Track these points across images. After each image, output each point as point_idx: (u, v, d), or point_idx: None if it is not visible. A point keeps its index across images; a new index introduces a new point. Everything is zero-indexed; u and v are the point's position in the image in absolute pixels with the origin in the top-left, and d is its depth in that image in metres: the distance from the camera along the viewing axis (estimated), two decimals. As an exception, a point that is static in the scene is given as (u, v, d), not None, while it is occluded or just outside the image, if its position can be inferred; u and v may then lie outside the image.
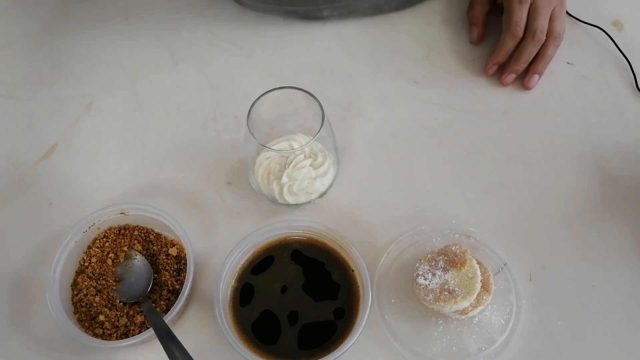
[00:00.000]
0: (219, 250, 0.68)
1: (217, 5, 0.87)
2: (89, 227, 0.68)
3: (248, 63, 0.83)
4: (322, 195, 0.70)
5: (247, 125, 0.64)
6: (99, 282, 0.66)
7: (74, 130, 0.79)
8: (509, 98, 0.78)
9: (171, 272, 0.67)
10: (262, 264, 0.67)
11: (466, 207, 0.71)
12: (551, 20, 0.76)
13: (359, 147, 0.75)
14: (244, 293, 0.65)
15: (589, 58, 0.80)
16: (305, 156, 0.67)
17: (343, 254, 0.66)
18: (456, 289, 0.60)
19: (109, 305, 0.65)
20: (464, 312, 0.61)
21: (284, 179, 0.67)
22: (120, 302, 0.65)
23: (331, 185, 0.70)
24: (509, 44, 0.77)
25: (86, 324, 0.64)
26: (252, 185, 0.71)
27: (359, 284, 0.64)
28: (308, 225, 0.66)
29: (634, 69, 0.78)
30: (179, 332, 0.61)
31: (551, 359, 0.62)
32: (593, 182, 0.71)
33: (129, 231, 0.69)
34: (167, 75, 0.82)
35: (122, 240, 0.69)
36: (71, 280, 0.67)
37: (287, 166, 0.67)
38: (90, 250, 0.68)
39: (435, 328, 0.63)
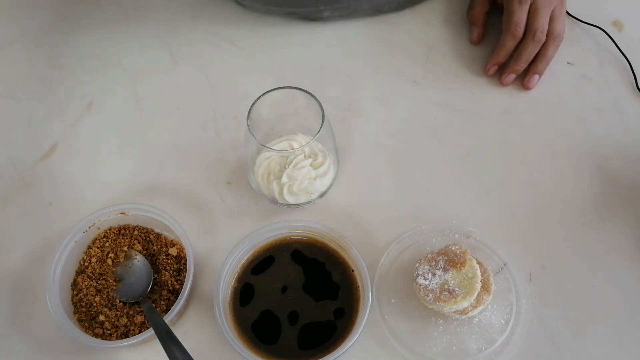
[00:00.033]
0: (219, 250, 0.68)
1: (217, 6, 0.87)
2: (89, 227, 0.68)
3: (248, 63, 0.83)
4: (322, 195, 0.70)
5: (247, 125, 0.64)
6: (99, 282, 0.66)
7: (74, 130, 0.79)
8: (509, 98, 0.78)
9: (171, 272, 0.67)
10: (262, 264, 0.67)
11: (466, 207, 0.71)
12: (551, 20, 0.76)
13: (359, 147, 0.75)
14: (244, 293, 0.65)
15: (589, 58, 0.80)
16: (305, 156, 0.67)
17: (343, 254, 0.66)
18: (456, 289, 0.60)
19: (109, 305, 0.65)
20: (464, 312, 0.61)
21: (284, 179, 0.67)
22: (120, 302, 0.65)
23: (331, 185, 0.70)
24: (509, 44, 0.77)
25: (86, 324, 0.64)
26: (252, 185, 0.71)
27: (359, 284, 0.64)
28: (308, 225, 0.66)
29: (634, 69, 0.78)
30: (179, 332, 0.61)
31: (551, 359, 0.62)
32: (593, 182, 0.71)
33: (129, 231, 0.69)
34: (167, 75, 0.82)
35: (122, 240, 0.69)
36: (71, 280, 0.67)
37: (287, 166, 0.67)
38: (90, 250, 0.68)
39: (435, 328, 0.63)
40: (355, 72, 0.81)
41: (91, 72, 0.83)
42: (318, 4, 0.81)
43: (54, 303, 0.63)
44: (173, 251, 0.68)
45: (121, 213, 0.68)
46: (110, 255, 0.68)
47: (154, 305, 0.64)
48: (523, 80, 0.78)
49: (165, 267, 0.67)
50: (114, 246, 0.68)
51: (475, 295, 0.60)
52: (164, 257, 0.67)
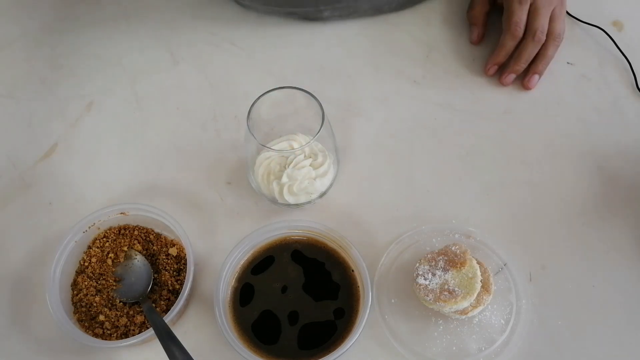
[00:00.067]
0: (219, 250, 0.68)
1: (217, 6, 0.87)
2: (89, 227, 0.68)
3: (248, 63, 0.83)
4: (322, 195, 0.70)
5: (247, 125, 0.64)
6: (99, 282, 0.66)
7: (74, 130, 0.79)
8: (509, 98, 0.78)
9: (171, 272, 0.67)
10: (262, 264, 0.67)
11: (466, 207, 0.71)
12: (551, 20, 0.76)
13: (359, 147, 0.75)
14: (244, 293, 0.65)
15: (589, 58, 0.80)
16: (305, 156, 0.67)
17: (343, 254, 0.66)
18: (456, 289, 0.60)
19: (109, 305, 0.65)
20: (464, 312, 0.61)
21: (284, 179, 0.67)
22: (120, 302, 0.65)
23: (331, 185, 0.70)
24: (509, 44, 0.77)
25: (86, 324, 0.64)
26: (252, 185, 0.71)
27: (359, 284, 0.64)
28: (308, 225, 0.66)
29: (634, 69, 0.78)
30: (179, 332, 0.61)
31: (551, 359, 0.62)
32: (593, 182, 0.71)
33: (129, 231, 0.69)
34: (167, 75, 0.82)
35: (122, 240, 0.69)
36: (71, 280, 0.67)
37: (287, 166, 0.67)
38: (90, 250, 0.68)
39: (435, 328, 0.63)
40: (355, 72, 0.81)
41: (91, 72, 0.83)
42: (318, 4, 0.81)
43: (54, 303, 0.63)
44: (173, 251, 0.68)
45: (121, 213, 0.68)
46: (110, 255, 0.68)
47: (154, 305, 0.64)
48: (523, 80, 0.78)
49: (165, 267, 0.67)
50: (114, 246, 0.68)
51: (475, 295, 0.60)
52: (164, 257, 0.67)
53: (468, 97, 0.78)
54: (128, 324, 0.64)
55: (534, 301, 0.64)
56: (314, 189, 0.68)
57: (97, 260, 0.68)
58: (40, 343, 0.65)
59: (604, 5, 0.84)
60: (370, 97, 0.79)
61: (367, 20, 0.85)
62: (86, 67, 0.84)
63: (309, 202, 0.69)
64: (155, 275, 0.67)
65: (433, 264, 0.62)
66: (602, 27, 0.81)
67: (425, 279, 0.62)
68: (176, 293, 0.65)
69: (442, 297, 0.60)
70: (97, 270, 0.67)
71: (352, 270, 0.65)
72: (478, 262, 0.63)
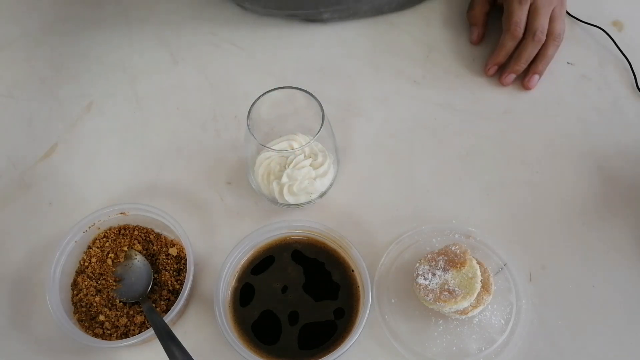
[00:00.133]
0: (219, 250, 0.68)
1: (218, 6, 0.87)
2: (89, 227, 0.68)
3: (248, 63, 0.83)
4: (322, 195, 0.70)
5: (247, 125, 0.64)
6: (99, 282, 0.66)
7: (74, 130, 0.79)
8: (509, 98, 0.78)
9: (171, 272, 0.67)
10: (262, 264, 0.67)
11: (466, 207, 0.71)
12: (551, 20, 0.76)
13: (359, 147, 0.75)
14: (244, 293, 0.65)
15: (589, 58, 0.80)
16: (305, 156, 0.67)
17: (343, 254, 0.66)
18: (456, 289, 0.60)
19: (109, 305, 0.65)
20: (464, 312, 0.61)
21: (284, 179, 0.67)
22: (120, 302, 0.65)
23: (331, 185, 0.70)
24: (509, 44, 0.77)
25: (86, 324, 0.64)
26: (252, 185, 0.71)
27: (359, 284, 0.64)
28: (308, 225, 0.66)
29: (634, 69, 0.78)
30: (179, 332, 0.61)
31: (551, 359, 0.62)
32: (593, 182, 0.71)
33: (129, 231, 0.69)
34: (167, 75, 0.82)
35: (122, 240, 0.69)
36: (71, 280, 0.67)
37: (287, 166, 0.67)
38: (90, 250, 0.68)
39: (435, 328, 0.63)
40: (355, 72, 0.81)
41: (91, 72, 0.83)
42: (318, 7, 0.81)
43: (54, 303, 0.63)
44: (173, 251, 0.68)
45: (121, 213, 0.68)
46: (110, 255, 0.68)
47: (154, 305, 0.64)
48: (523, 80, 0.78)
49: (165, 267, 0.67)
50: (114, 246, 0.68)
51: (475, 295, 0.60)
52: (164, 257, 0.67)
53: (468, 97, 0.78)
54: (128, 324, 0.64)
55: (534, 301, 0.64)
56: (314, 189, 0.68)
57: (97, 260, 0.68)
58: (40, 343, 0.65)
59: (604, 5, 0.84)
60: (370, 97, 0.79)
61: (367, 20, 0.85)
62: (86, 67, 0.84)
63: (309, 202, 0.69)
64: (155, 275, 0.67)
65: (433, 264, 0.62)
66: (602, 27, 0.81)
67: (425, 279, 0.62)
68: (176, 293, 0.65)
69: (442, 297, 0.60)
70: (97, 270, 0.67)
71: (352, 270, 0.65)
72: (478, 262, 0.63)
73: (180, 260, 0.68)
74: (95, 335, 0.63)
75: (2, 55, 0.86)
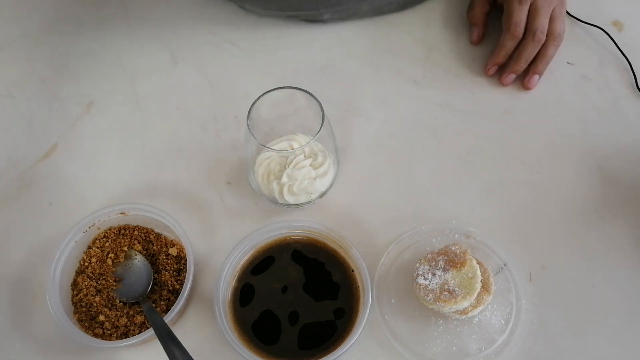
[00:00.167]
0: (219, 250, 0.68)
1: (218, 6, 0.87)
2: (89, 227, 0.68)
3: (248, 63, 0.83)
4: (322, 195, 0.70)
5: (247, 125, 0.64)
6: (99, 282, 0.66)
7: (74, 130, 0.79)
8: (509, 98, 0.78)
9: (171, 272, 0.67)
10: (262, 264, 0.67)
11: (466, 207, 0.71)
12: (551, 20, 0.76)
13: (359, 147, 0.75)
14: (244, 293, 0.65)
15: (589, 58, 0.80)
16: (305, 156, 0.67)
17: (343, 254, 0.66)
18: (456, 289, 0.60)
19: (109, 305, 0.65)
20: (464, 312, 0.61)
21: (284, 179, 0.67)
22: (120, 302, 0.65)
23: (331, 185, 0.70)
24: (509, 44, 0.77)
25: (86, 324, 0.64)
26: (252, 185, 0.71)
27: (359, 284, 0.64)
28: (308, 225, 0.66)
29: (634, 69, 0.78)
30: (179, 332, 0.61)
31: (551, 359, 0.62)
32: (593, 182, 0.71)
33: (129, 231, 0.69)
34: (167, 75, 0.82)
35: (122, 240, 0.69)
36: (71, 280, 0.67)
37: (287, 166, 0.67)
38: (90, 250, 0.68)
39: (435, 328, 0.63)
40: (356, 72, 0.81)
41: (91, 72, 0.83)
42: (319, 8, 0.81)
43: (54, 303, 0.63)
44: (173, 251, 0.68)
45: (121, 213, 0.68)
46: (110, 255, 0.68)
47: (154, 305, 0.64)
48: (523, 80, 0.78)
49: (165, 267, 0.67)
50: (114, 246, 0.68)
51: (475, 295, 0.60)
52: (164, 257, 0.67)
53: (468, 97, 0.78)
54: (128, 324, 0.64)
55: (534, 301, 0.64)
56: (314, 189, 0.68)
57: (97, 260, 0.68)
58: (40, 343, 0.65)
59: (604, 5, 0.84)
60: (370, 97, 0.79)
61: (367, 20, 0.85)
62: (86, 67, 0.84)
63: (309, 202, 0.69)
64: (155, 275, 0.67)
65: (433, 264, 0.62)
66: (602, 27, 0.81)
67: (425, 279, 0.62)
68: (176, 293, 0.65)
69: (442, 297, 0.60)
70: (97, 270, 0.67)
71: (352, 270, 0.65)
72: (478, 262, 0.63)
73: (180, 260, 0.68)
74: (95, 335, 0.63)
75: (2, 55, 0.86)
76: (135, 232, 0.69)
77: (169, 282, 0.66)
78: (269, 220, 0.70)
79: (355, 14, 0.84)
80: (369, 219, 0.70)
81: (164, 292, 0.65)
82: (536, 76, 0.77)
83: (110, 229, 0.69)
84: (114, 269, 0.67)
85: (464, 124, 0.76)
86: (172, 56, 0.84)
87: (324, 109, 0.65)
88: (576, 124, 0.76)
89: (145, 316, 0.63)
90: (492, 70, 0.78)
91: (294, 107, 0.68)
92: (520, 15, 0.75)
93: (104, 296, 0.65)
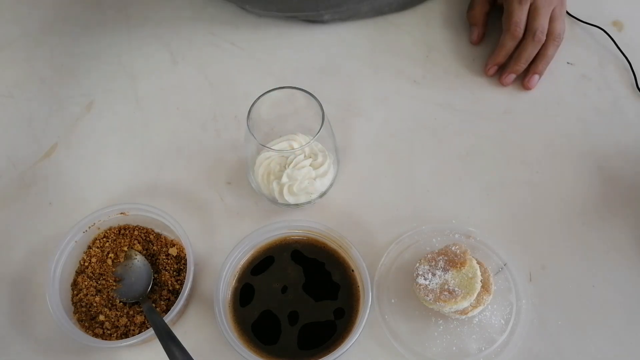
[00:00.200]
0: (219, 250, 0.68)
1: (218, 6, 0.87)
2: (89, 227, 0.68)
3: (248, 63, 0.83)
4: (322, 195, 0.70)
5: (247, 125, 0.64)
6: (99, 282, 0.66)
7: (74, 130, 0.79)
8: (509, 98, 0.78)
9: (171, 272, 0.67)
10: (262, 264, 0.67)
11: (466, 207, 0.71)
12: (551, 20, 0.76)
13: (359, 147, 0.75)
14: (244, 293, 0.65)
15: (589, 58, 0.80)
16: (305, 156, 0.67)
17: (343, 254, 0.66)
18: (456, 289, 0.60)
19: (109, 305, 0.65)
20: (464, 312, 0.61)
21: (284, 179, 0.67)
22: (120, 302, 0.65)
23: (331, 185, 0.70)
24: (509, 44, 0.77)
25: (86, 324, 0.64)
26: (252, 185, 0.71)
27: (359, 284, 0.64)
28: (308, 225, 0.66)
29: (634, 69, 0.78)
30: (179, 332, 0.61)
31: (551, 359, 0.62)
32: (593, 182, 0.71)
33: (129, 231, 0.69)
34: (167, 75, 0.82)
35: (122, 240, 0.69)
36: (71, 280, 0.67)
37: (287, 166, 0.67)
38: (90, 250, 0.68)
39: (435, 328, 0.63)
40: (356, 72, 0.81)
41: (91, 72, 0.83)
42: (319, 9, 0.81)
43: (54, 303, 0.63)
44: (173, 251, 0.68)
45: (121, 213, 0.68)
46: (110, 255, 0.68)
47: (154, 305, 0.64)
48: (523, 80, 0.78)
49: (165, 267, 0.67)
50: (114, 246, 0.68)
51: (475, 295, 0.60)
52: (164, 257, 0.67)
53: (468, 97, 0.78)
54: (128, 324, 0.64)
55: (534, 301, 0.64)
56: (314, 189, 0.68)
57: (97, 260, 0.68)
58: (40, 343, 0.65)
59: (604, 5, 0.84)
60: (370, 97, 0.79)
61: (367, 20, 0.85)
62: (86, 67, 0.84)
63: (309, 202, 0.69)
64: (155, 275, 0.67)
65: (433, 264, 0.62)
66: (602, 27, 0.81)
67: (425, 279, 0.62)
68: (176, 293, 0.65)
69: (442, 297, 0.60)
70: (97, 270, 0.67)
71: (352, 270, 0.65)
72: (478, 262, 0.63)
73: (180, 260, 0.68)
74: (95, 335, 0.63)
75: (2, 55, 0.86)
76: (135, 232, 0.69)
77: (169, 282, 0.66)
78: (269, 220, 0.70)
79: (356, 14, 0.84)
80: (369, 219, 0.70)
81: (164, 292, 0.65)
82: (536, 76, 0.77)
83: (110, 229, 0.69)
84: (114, 269, 0.67)
85: (464, 124, 0.76)
86: (172, 56, 0.84)
87: (324, 109, 0.65)
88: (576, 124, 0.76)
89: (145, 316, 0.63)
90: (492, 70, 0.78)
91: (294, 107, 0.68)
92: (520, 15, 0.75)
93: (104, 296, 0.65)
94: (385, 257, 0.67)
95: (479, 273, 0.61)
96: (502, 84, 0.78)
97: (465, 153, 0.74)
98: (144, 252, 0.68)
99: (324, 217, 0.70)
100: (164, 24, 0.87)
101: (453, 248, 0.63)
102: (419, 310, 0.64)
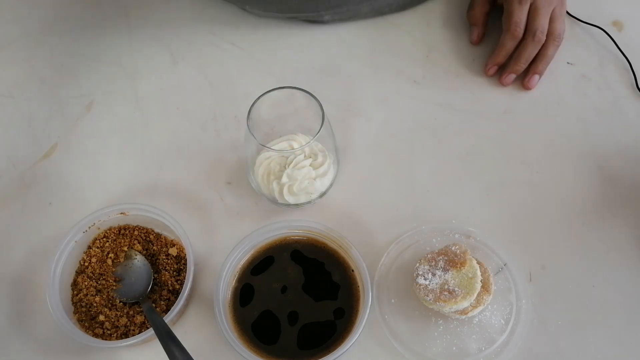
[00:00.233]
0: (219, 250, 0.68)
1: (218, 6, 0.87)
2: (89, 227, 0.68)
3: (248, 63, 0.83)
4: (322, 195, 0.70)
5: (247, 125, 0.64)
6: (99, 282, 0.66)
7: (74, 130, 0.79)
8: (509, 98, 0.78)
9: (171, 272, 0.67)
10: (262, 264, 0.67)
11: (466, 207, 0.71)
12: (551, 20, 0.76)
13: (359, 147, 0.75)
14: (244, 293, 0.65)
15: (589, 58, 0.80)
16: (305, 156, 0.67)
17: (343, 254, 0.66)
18: (456, 289, 0.60)
19: (109, 305, 0.65)
20: (464, 312, 0.61)
21: (284, 179, 0.67)
22: (120, 302, 0.65)
23: (331, 185, 0.70)
24: (509, 45, 0.77)
25: (86, 324, 0.64)
26: (252, 185, 0.71)
27: (359, 284, 0.64)
28: (308, 225, 0.66)
29: (634, 69, 0.78)
30: (179, 332, 0.61)
31: (551, 359, 0.62)
32: (593, 182, 0.71)
33: (129, 231, 0.69)
34: (167, 75, 0.82)
35: (122, 240, 0.69)
36: (71, 280, 0.67)
37: (287, 166, 0.67)
38: (90, 250, 0.68)
39: (435, 328, 0.63)
40: (356, 72, 0.81)
41: (91, 72, 0.83)
42: (319, 10, 0.81)
43: (54, 303, 0.63)
44: (173, 251, 0.68)
45: (121, 213, 0.68)
46: (110, 255, 0.68)
47: (154, 305, 0.64)
48: (523, 80, 0.78)
49: (165, 267, 0.67)
50: (114, 246, 0.68)
51: (475, 295, 0.60)
52: (164, 257, 0.67)
53: (468, 97, 0.78)
54: (128, 324, 0.64)
55: (534, 301, 0.64)
56: (314, 189, 0.68)
57: (97, 260, 0.68)
58: (40, 343, 0.65)
59: (604, 5, 0.84)
60: (370, 97, 0.79)
61: (367, 21, 0.85)
62: (86, 67, 0.84)
63: (309, 202, 0.69)
64: (155, 275, 0.67)
65: (433, 264, 0.62)
66: (602, 27, 0.81)
67: (425, 279, 0.62)
68: (176, 293, 0.65)
69: (442, 297, 0.60)
70: (97, 270, 0.67)
71: (352, 270, 0.65)
72: (478, 262, 0.63)
73: (180, 260, 0.68)
74: (95, 335, 0.63)
75: (2, 55, 0.86)
76: (135, 232, 0.69)
77: (169, 282, 0.66)
78: (269, 220, 0.70)
79: (356, 15, 0.84)
80: (369, 219, 0.70)
81: (164, 292, 0.65)
82: (536, 76, 0.77)
83: (110, 229, 0.69)
84: (114, 269, 0.67)
85: (464, 124, 0.76)
86: (172, 56, 0.84)
87: (324, 109, 0.65)
88: (576, 124, 0.76)
89: (145, 316, 0.63)
90: (492, 70, 0.78)
91: (294, 107, 0.68)
92: (520, 16, 0.75)
93: (104, 296, 0.65)
94: (385, 257, 0.67)
95: (479, 273, 0.61)
96: (502, 84, 0.78)
97: (465, 153, 0.74)
98: (144, 252, 0.68)
99: (324, 217, 0.70)
100: (164, 24, 0.87)
101: (453, 248, 0.63)
102: (419, 310, 0.64)
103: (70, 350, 0.64)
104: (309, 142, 0.65)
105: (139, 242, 0.69)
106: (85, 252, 0.68)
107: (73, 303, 0.66)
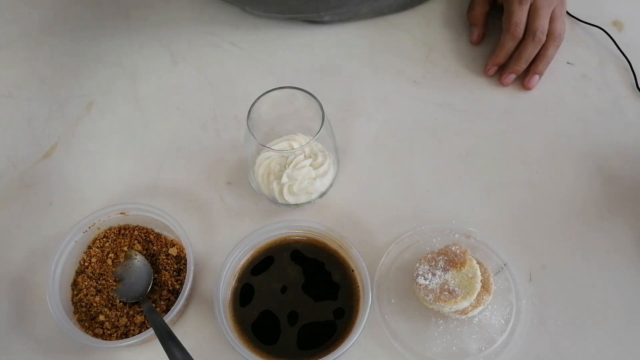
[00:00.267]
0: (219, 250, 0.68)
1: (218, 6, 0.87)
2: (89, 227, 0.68)
3: (248, 63, 0.83)
4: (322, 195, 0.70)
5: (247, 125, 0.64)
6: (99, 282, 0.66)
7: (74, 130, 0.79)
8: (509, 98, 0.78)
9: (171, 272, 0.67)
10: (262, 264, 0.67)
11: (466, 207, 0.71)
12: (551, 20, 0.76)
13: (359, 147, 0.75)
14: (244, 293, 0.65)
15: (589, 58, 0.80)
16: (305, 156, 0.67)
17: (343, 254, 0.66)
18: (456, 289, 0.60)
19: (109, 305, 0.65)
20: (464, 312, 0.61)
21: (284, 179, 0.67)
22: (120, 302, 0.65)
23: (331, 185, 0.70)
24: (509, 45, 0.77)
25: (86, 324, 0.64)
26: (252, 185, 0.71)
27: (359, 284, 0.64)
28: (308, 225, 0.66)
29: (634, 69, 0.78)
30: (179, 332, 0.61)
31: (551, 359, 0.62)
32: (593, 182, 0.71)
33: (129, 231, 0.69)
34: (167, 75, 0.82)
35: (122, 240, 0.69)
36: (71, 280, 0.67)
37: (287, 166, 0.67)
38: (90, 250, 0.68)
39: (435, 328, 0.63)
40: (355, 72, 0.81)
41: (91, 72, 0.83)
42: (319, 10, 0.81)
43: (54, 303, 0.63)
44: (173, 251, 0.68)
45: (121, 213, 0.68)
46: (110, 255, 0.68)
47: (154, 305, 0.64)
48: (523, 80, 0.78)
49: (165, 267, 0.67)
50: (114, 246, 0.68)
51: (475, 295, 0.60)
52: (164, 257, 0.67)
53: (468, 97, 0.78)
54: (128, 324, 0.64)
55: (534, 301, 0.64)
56: (314, 189, 0.68)
57: (97, 260, 0.68)
58: (40, 343, 0.65)
59: (604, 5, 0.84)
60: (370, 97, 0.79)
61: (367, 21, 0.85)
62: (86, 67, 0.84)
63: (309, 202, 0.69)
64: (155, 275, 0.67)
65: (433, 264, 0.62)
66: (602, 27, 0.81)
67: (425, 279, 0.62)
68: (176, 293, 0.65)
69: (442, 297, 0.60)
70: (97, 270, 0.67)
71: (352, 270, 0.65)
72: (478, 262, 0.63)
73: (180, 260, 0.68)
74: (95, 335, 0.63)
75: (2, 55, 0.86)
76: (135, 232, 0.69)
77: (169, 282, 0.66)
78: (269, 220, 0.70)
79: (356, 15, 0.84)
80: (369, 219, 0.70)
81: (164, 292, 0.65)
82: (536, 76, 0.77)
83: (110, 229, 0.69)
84: (114, 269, 0.67)
85: (464, 124, 0.76)
86: (172, 56, 0.84)
87: (324, 109, 0.65)
88: (576, 124, 0.76)
89: (145, 316, 0.63)
90: (492, 70, 0.78)
91: (294, 107, 0.68)
92: (520, 16, 0.75)
93: (104, 296, 0.65)
94: (385, 257, 0.67)
95: (479, 273, 0.61)
96: (502, 84, 0.78)
97: (465, 153, 0.74)
98: (144, 252, 0.68)
99: (324, 217, 0.70)
100: (164, 24, 0.87)
101: (453, 248, 0.63)
102: (419, 310, 0.64)
103: (70, 350, 0.64)
104: (309, 142, 0.65)
105: (139, 242, 0.69)
106: (85, 252, 0.68)
107: (73, 303, 0.66)
